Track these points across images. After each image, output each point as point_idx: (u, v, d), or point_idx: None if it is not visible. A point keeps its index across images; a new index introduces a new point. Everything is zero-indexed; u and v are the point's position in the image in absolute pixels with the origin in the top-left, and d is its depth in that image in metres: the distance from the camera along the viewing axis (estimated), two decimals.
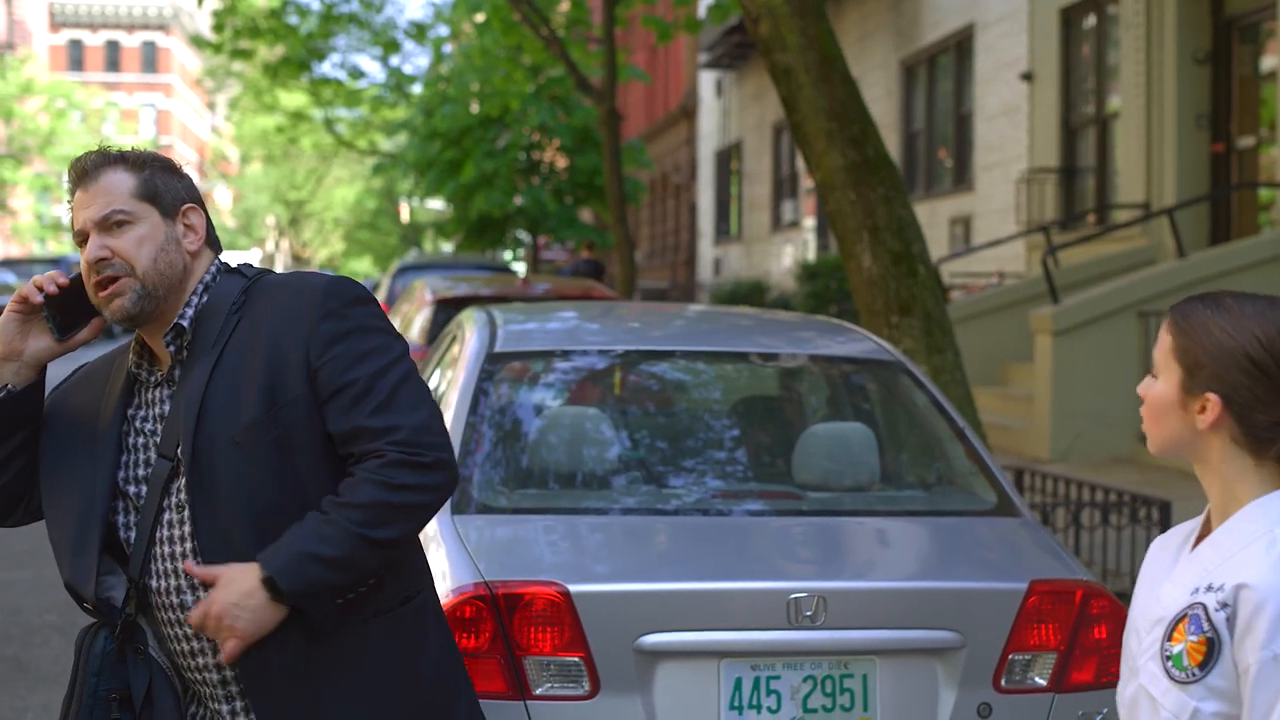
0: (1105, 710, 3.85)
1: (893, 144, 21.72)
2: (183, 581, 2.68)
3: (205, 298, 2.75)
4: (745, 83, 30.85)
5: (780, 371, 5.48)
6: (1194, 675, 2.14)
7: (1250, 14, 14.19)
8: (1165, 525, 7.45)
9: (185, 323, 2.73)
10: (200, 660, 2.71)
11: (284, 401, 2.62)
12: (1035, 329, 13.03)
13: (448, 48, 32.43)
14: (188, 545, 2.66)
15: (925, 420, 4.93)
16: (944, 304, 7.84)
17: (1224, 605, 2.12)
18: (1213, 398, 2.21)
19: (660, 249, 41.28)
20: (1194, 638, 2.15)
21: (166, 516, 2.69)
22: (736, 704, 3.74)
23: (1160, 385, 2.27)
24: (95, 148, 2.83)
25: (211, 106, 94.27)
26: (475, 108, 28.13)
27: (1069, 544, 7.83)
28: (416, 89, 32.57)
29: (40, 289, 2.72)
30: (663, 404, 5.26)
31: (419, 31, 30.23)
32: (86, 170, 2.74)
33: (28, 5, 74.20)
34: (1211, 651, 2.12)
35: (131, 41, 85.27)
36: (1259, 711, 2.08)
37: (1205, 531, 2.29)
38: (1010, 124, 18.53)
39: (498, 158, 27.39)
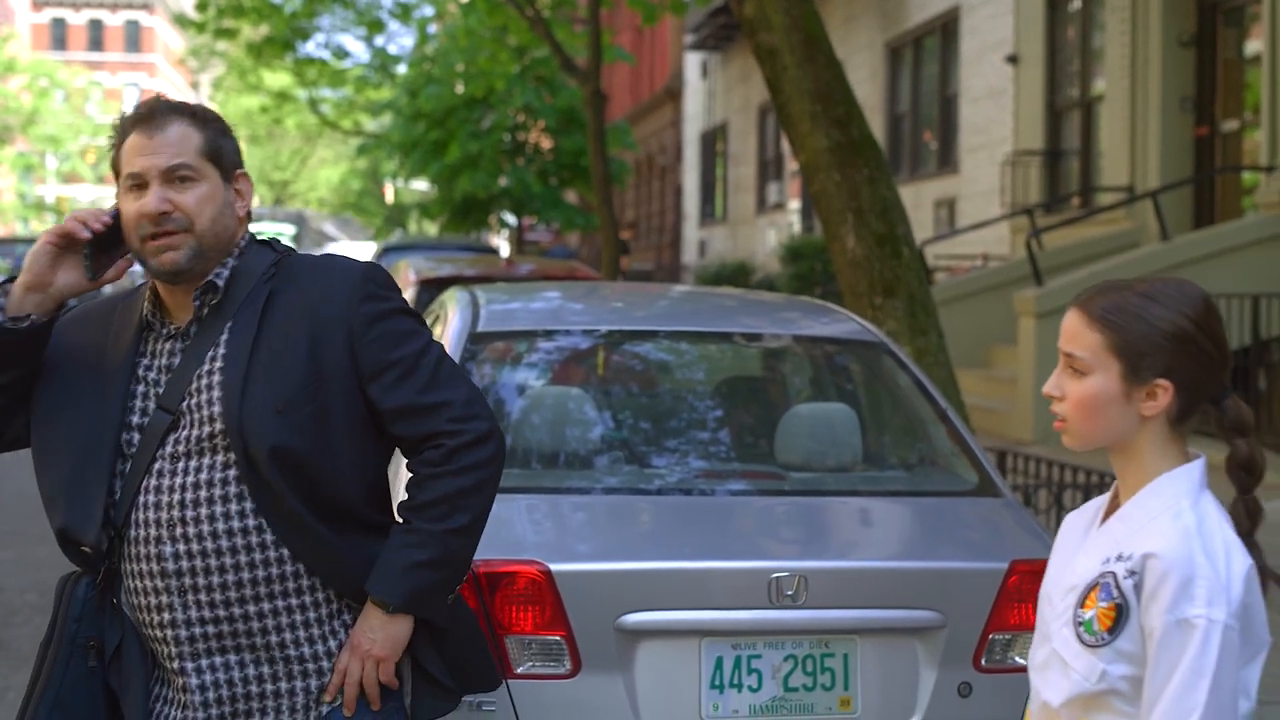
0: None
1: (878, 126, 21.71)
2: (163, 532, 2.68)
3: (236, 262, 2.80)
4: (731, 64, 30.81)
5: (763, 352, 5.48)
6: (1103, 639, 2.27)
7: None
8: None
9: (220, 282, 2.76)
10: (165, 615, 2.69)
11: (325, 376, 2.70)
12: (1019, 311, 13.05)
13: (432, 28, 32.31)
14: (175, 497, 2.68)
15: (908, 401, 4.93)
16: (928, 285, 7.84)
17: (1132, 573, 2.25)
18: (1164, 383, 2.31)
19: (645, 230, 41.25)
20: (1104, 604, 2.27)
21: (158, 466, 2.70)
22: (717, 683, 3.74)
23: (1096, 382, 2.33)
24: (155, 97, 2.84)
25: (195, 86, 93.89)
26: (460, 88, 28.04)
27: (1051, 525, 7.85)
28: (401, 69, 32.45)
29: (85, 225, 2.72)
30: (646, 384, 5.26)
31: (404, 11, 30.10)
32: (154, 115, 2.74)
33: None
34: (1120, 617, 2.25)
35: (114, 20, 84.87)
36: (1162, 671, 2.20)
37: (1114, 506, 2.41)
38: (995, 106, 18.54)
39: (482, 139, 27.30)
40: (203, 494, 2.68)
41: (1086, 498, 7.56)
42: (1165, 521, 2.27)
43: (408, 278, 10.67)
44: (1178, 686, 2.18)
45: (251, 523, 2.68)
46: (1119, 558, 2.28)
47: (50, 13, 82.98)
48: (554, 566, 3.67)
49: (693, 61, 34.42)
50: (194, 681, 2.70)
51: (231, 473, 2.68)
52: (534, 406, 4.65)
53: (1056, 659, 2.35)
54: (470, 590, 3.62)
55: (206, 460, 2.69)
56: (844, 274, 7.66)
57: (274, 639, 2.72)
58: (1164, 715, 2.19)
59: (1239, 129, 14.28)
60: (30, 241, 33.21)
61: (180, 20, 27.28)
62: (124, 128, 2.76)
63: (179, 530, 2.67)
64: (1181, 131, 14.64)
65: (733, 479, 4.56)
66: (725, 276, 23.68)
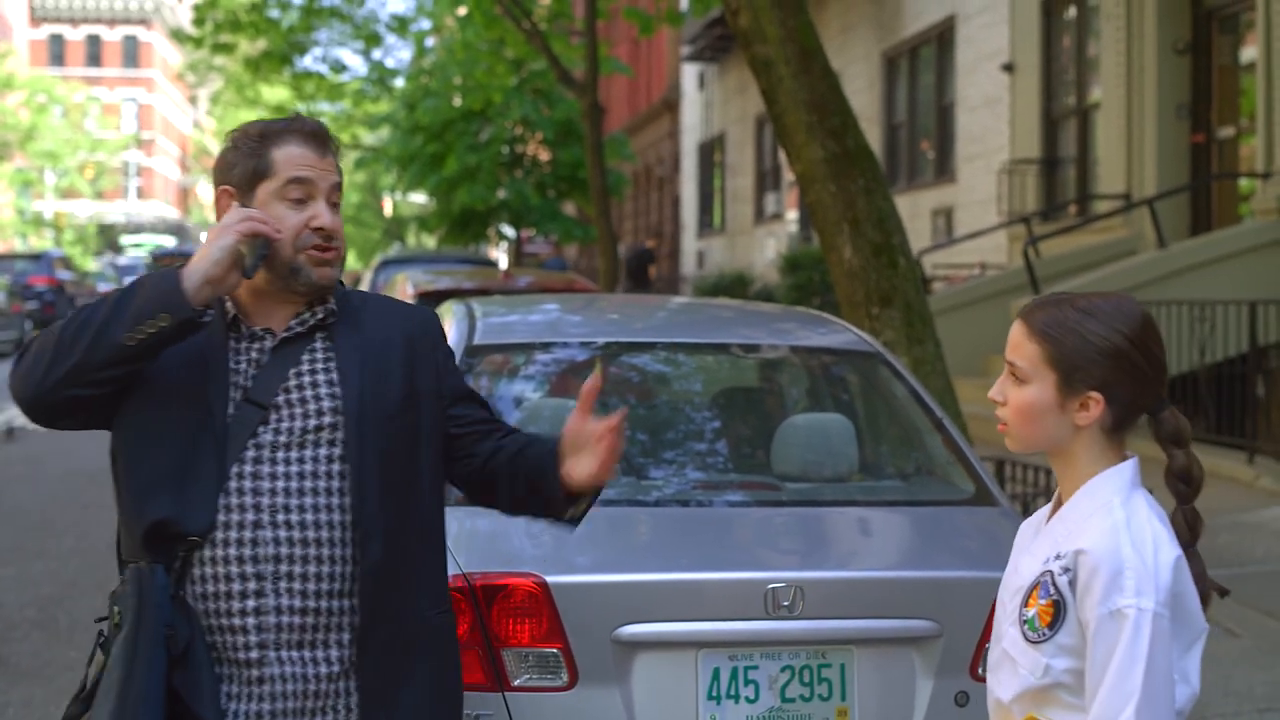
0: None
1: (875, 136, 21.74)
2: (264, 517, 2.71)
3: None
4: (728, 75, 30.85)
5: (760, 363, 5.49)
6: (1045, 635, 2.38)
7: (1229, 4, 14.22)
8: None
9: (334, 300, 2.86)
10: (252, 603, 2.70)
11: (419, 395, 2.87)
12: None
13: (430, 41, 32.35)
14: (279, 484, 2.73)
15: (904, 411, 4.93)
16: (924, 295, 7.85)
17: (1066, 570, 2.37)
18: (1096, 395, 2.42)
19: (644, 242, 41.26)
20: (1044, 601, 2.39)
21: (252, 454, 2.75)
22: (714, 694, 3.75)
23: (1034, 391, 2.44)
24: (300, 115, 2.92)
25: (193, 101, 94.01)
26: (458, 101, 28.06)
27: None
28: (399, 83, 32.47)
29: (265, 225, 2.73)
30: (643, 395, 5.26)
31: (401, 25, 30.12)
32: (322, 135, 2.84)
33: (7, 0, 73.92)
34: (1058, 613, 2.37)
35: (112, 36, 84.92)
36: (1098, 663, 2.31)
37: (1056, 509, 2.52)
38: (992, 115, 18.56)
39: (480, 151, 27.33)
40: (307, 484, 2.74)
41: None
42: (1097, 519, 2.38)
43: (405, 291, 10.67)
44: (1114, 674, 2.28)
45: (350, 517, 2.76)
46: (1056, 556, 2.39)
47: (48, 28, 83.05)
48: (550, 579, 3.67)
49: (690, 73, 34.46)
50: (274, 671, 2.72)
51: (335, 466, 2.77)
52: (531, 419, 4.65)
53: (1006, 658, 2.46)
54: (467, 603, 3.63)
55: (309, 452, 2.76)
56: (841, 284, 7.66)
57: (348, 636, 2.77)
58: (1104, 703, 2.29)
59: (1235, 136, 14.30)
60: (29, 258, 33.20)
61: (178, 35, 27.29)
62: (276, 135, 2.79)
63: (281, 516, 2.72)
64: (1177, 139, 14.66)
65: (730, 490, 4.57)
66: (724, 287, 23.70)
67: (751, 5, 7.69)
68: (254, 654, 2.71)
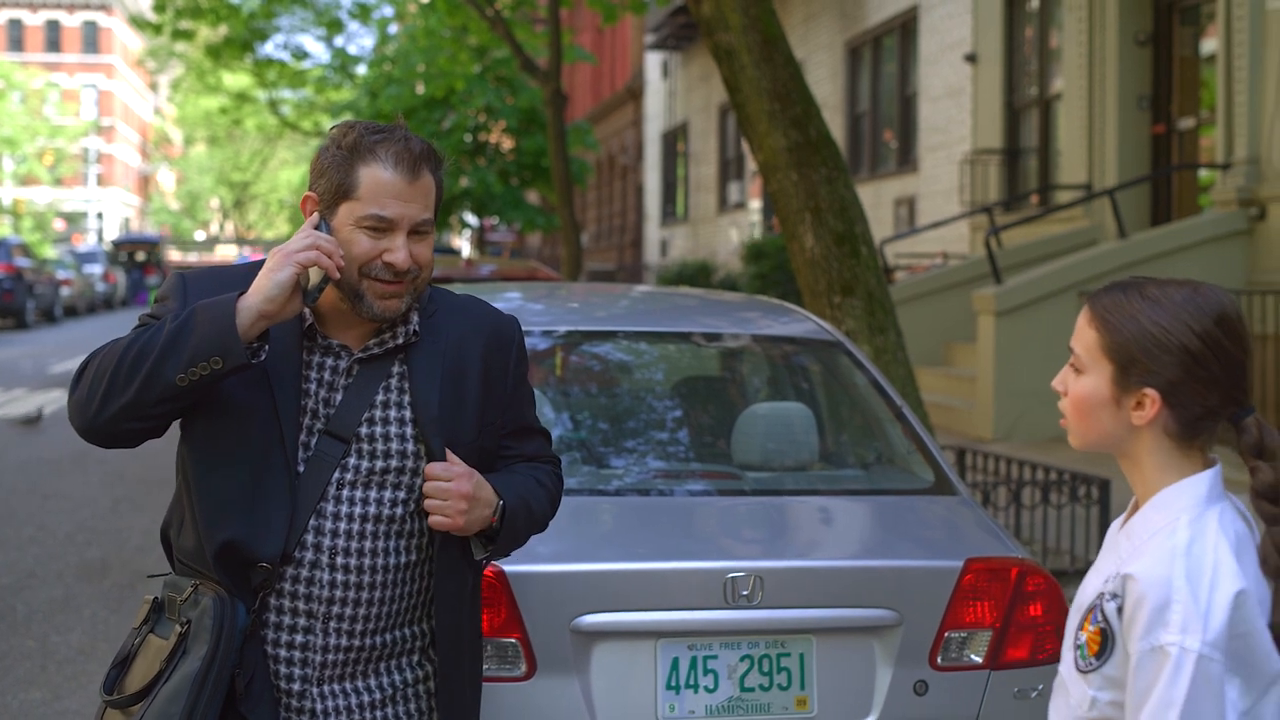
0: (1040, 687, 3.88)
1: (838, 125, 21.76)
2: (322, 558, 2.66)
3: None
4: (691, 64, 30.83)
5: (722, 352, 5.48)
6: (1092, 665, 2.15)
7: None
8: (1104, 503, 7.51)
9: (415, 326, 2.75)
10: (300, 638, 2.68)
11: (488, 421, 2.82)
12: (978, 309, 13.10)
13: (393, 28, 32.23)
14: (341, 525, 2.67)
15: (864, 400, 4.94)
16: (886, 284, 7.86)
17: (1114, 596, 2.13)
18: (1151, 393, 2.16)
19: (607, 230, 41.24)
20: (1093, 627, 2.16)
21: (335, 490, 2.68)
22: (674, 683, 3.74)
23: (1090, 382, 2.21)
24: (392, 123, 2.73)
25: (154, 87, 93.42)
26: (420, 89, 27.96)
27: (1010, 523, 7.89)
28: (361, 70, 32.36)
29: (331, 258, 2.60)
30: (605, 384, 5.25)
31: (363, 12, 30.02)
32: (421, 160, 2.68)
33: None
34: (1105, 642, 2.13)
35: (72, 21, 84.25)
36: (1134, 702, 2.07)
37: (1132, 514, 2.27)
38: (954, 105, 18.61)
39: (443, 139, 27.23)
40: (369, 527, 2.69)
41: (1045, 495, 7.59)
42: (1158, 539, 2.13)
43: None
44: (1147, 717, 2.05)
45: (413, 557, 2.73)
46: (1114, 578, 2.16)
47: (6, 13, 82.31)
48: (509, 568, 3.66)
49: (653, 61, 34.43)
50: (316, 706, 2.70)
51: (399, 510, 2.71)
52: None
53: (1062, 683, 2.25)
54: None
55: (374, 494, 2.70)
56: (802, 273, 7.66)
57: (391, 663, 2.76)
58: None
59: (1195, 127, 14.37)
60: None
61: (138, 22, 27.08)
62: (370, 150, 2.65)
63: (340, 560, 2.67)
64: (1138, 130, 14.73)
65: (690, 479, 4.56)
66: (687, 276, 23.70)
67: None
68: (296, 686, 2.70)
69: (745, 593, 3.72)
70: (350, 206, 2.64)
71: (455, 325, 2.82)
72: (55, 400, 17.60)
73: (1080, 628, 2.19)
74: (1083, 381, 2.22)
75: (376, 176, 2.63)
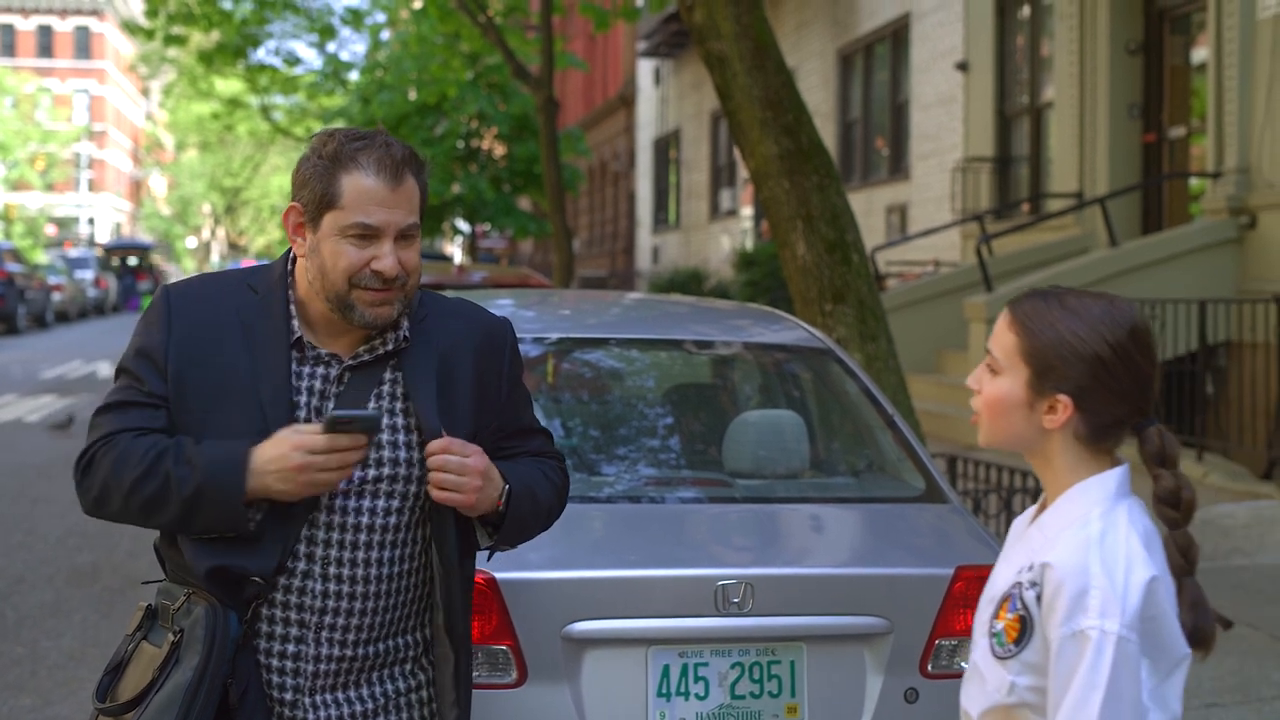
0: None
1: (830, 133, 21.79)
2: (314, 568, 2.65)
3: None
4: (683, 71, 30.85)
5: (713, 359, 5.48)
6: (1011, 651, 2.23)
7: (1181, 5, 14.32)
8: None
9: (405, 332, 2.73)
10: (292, 648, 2.67)
11: (483, 426, 2.78)
12: (969, 317, 13.11)
13: (385, 34, 32.23)
14: (333, 535, 2.66)
15: (855, 408, 4.94)
16: (877, 292, 7.87)
17: (1034, 584, 2.21)
18: (1064, 399, 2.25)
19: (599, 237, 41.24)
20: (1011, 615, 2.24)
21: (327, 500, 2.66)
22: (664, 691, 3.74)
23: (1005, 384, 2.29)
24: (372, 129, 2.72)
25: (146, 93, 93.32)
26: (413, 95, 27.97)
27: (1001, 531, 7.90)
28: (353, 76, 32.35)
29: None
30: (596, 391, 5.25)
31: (355, 18, 30.01)
32: (397, 165, 2.66)
33: None
34: (1024, 629, 2.22)
35: (64, 26, 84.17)
36: (1058, 685, 2.16)
37: (1041, 511, 2.37)
38: (946, 113, 18.64)
39: (435, 145, 27.24)
40: (361, 537, 2.67)
41: (1036, 502, 7.60)
42: (1071, 531, 2.22)
43: None
44: (1073, 698, 2.14)
45: (407, 566, 2.72)
46: (1028, 568, 2.24)
47: None
48: (500, 575, 3.66)
49: (645, 68, 34.44)
50: (310, 716, 2.69)
51: (393, 520, 2.69)
52: None
53: (976, 669, 2.32)
54: None
55: (367, 503, 2.68)
56: (794, 280, 7.67)
57: (384, 673, 2.75)
58: None
59: (1186, 135, 14.40)
60: None
61: (130, 27, 27.06)
62: (351, 158, 2.63)
63: (333, 570, 2.66)
64: (1129, 138, 14.76)
65: (681, 486, 4.56)
66: (678, 283, 23.70)
67: (706, 1, 7.69)
68: (289, 695, 2.69)
69: (736, 600, 3.72)
70: (335, 216, 2.62)
71: (447, 329, 2.79)
72: (45, 406, 17.57)
73: (995, 616, 2.27)
74: (998, 383, 2.30)
75: (359, 184, 2.61)
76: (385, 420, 2.69)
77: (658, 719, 3.74)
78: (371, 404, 2.70)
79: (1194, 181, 14.03)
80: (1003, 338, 2.31)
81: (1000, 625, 2.26)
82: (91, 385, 20.41)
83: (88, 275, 43.60)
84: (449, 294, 3.00)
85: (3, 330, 31.93)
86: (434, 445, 2.63)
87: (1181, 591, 2.22)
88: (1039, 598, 2.20)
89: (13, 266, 32.20)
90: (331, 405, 2.67)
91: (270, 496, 2.58)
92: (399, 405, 2.71)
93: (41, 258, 43.76)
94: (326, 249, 2.63)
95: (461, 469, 2.62)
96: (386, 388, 2.72)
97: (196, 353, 2.66)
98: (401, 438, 2.70)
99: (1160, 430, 2.27)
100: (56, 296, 37.24)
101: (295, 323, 2.69)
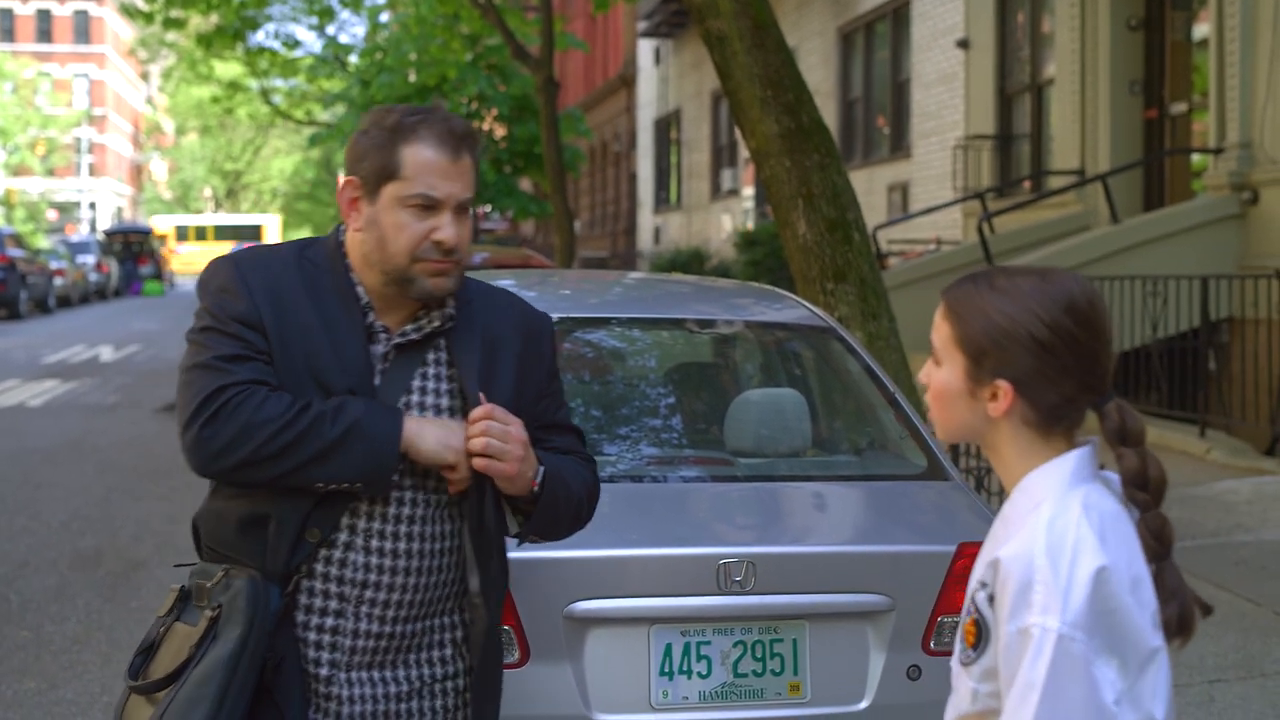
0: None
1: (831, 111, 21.75)
2: (356, 539, 2.65)
3: None
4: (684, 51, 30.80)
5: (715, 338, 5.48)
6: (970, 657, 2.08)
7: None
8: None
9: (452, 310, 2.74)
10: (330, 621, 2.66)
11: (523, 410, 2.74)
12: None
13: (384, 16, 32.17)
14: (376, 508, 2.65)
15: (857, 386, 4.94)
16: (879, 270, 7.85)
17: (984, 585, 2.06)
18: (1004, 385, 2.11)
19: (600, 218, 41.21)
20: (967, 619, 2.09)
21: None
22: (667, 670, 3.75)
23: (945, 374, 2.17)
24: (440, 107, 2.74)
25: (145, 77, 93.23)
26: (413, 77, 27.91)
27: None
28: (353, 59, 32.28)
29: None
30: (598, 371, 5.25)
31: (354, 0, 29.96)
32: (457, 138, 2.68)
33: None
34: (980, 633, 2.05)
35: (63, 11, 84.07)
36: (1005, 688, 2.00)
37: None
38: (947, 91, 18.60)
39: None
40: (405, 510, 2.67)
41: None
42: (1024, 522, 2.06)
43: None
44: (1012, 702, 1.97)
45: (448, 544, 2.71)
46: (986, 565, 2.08)
47: None
48: None
49: (645, 48, 34.39)
50: (342, 692, 2.68)
51: (432, 496, 2.69)
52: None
53: (953, 673, 2.16)
54: None
55: (409, 479, 2.68)
56: (795, 259, 7.66)
57: (421, 655, 2.74)
58: None
59: (1187, 111, 14.37)
60: None
61: (129, 10, 27.02)
62: (412, 130, 2.65)
63: (375, 543, 2.66)
64: (1131, 115, 14.73)
65: (683, 465, 4.56)
66: (680, 263, 23.70)
67: None
68: (324, 671, 2.68)
69: (738, 578, 3.73)
70: (395, 187, 2.63)
71: (490, 314, 2.80)
72: (48, 390, 17.59)
73: (964, 620, 2.11)
74: (939, 374, 2.17)
75: (421, 156, 2.63)
76: (430, 400, 2.70)
77: (660, 698, 3.74)
78: (415, 382, 2.70)
79: (1196, 157, 14.00)
80: (939, 327, 2.19)
81: (960, 630, 2.11)
82: (94, 370, 20.42)
83: (89, 260, 43.57)
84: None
85: (5, 315, 31.94)
86: (477, 412, 2.62)
87: (1158, 577, 2.06)
88: (991, 598, 2.03)
89: (14, 251, 32.19)
90: (377, 382, 2.68)
91: (412, 454, 2.60)
92: (444, 386, 2.72)
93: (43, 243, 43.73)
94: (387, 220, 2.63)
95: (504, 436, 2.61)
96: (431, 368, 2.72)
97: (277, 313, 2.66)
98: (446, 416, 2.70)
99: (1119, 405, 2.12)
100: (58, 281, 37.21)
101: (360, 289, 2.70)
